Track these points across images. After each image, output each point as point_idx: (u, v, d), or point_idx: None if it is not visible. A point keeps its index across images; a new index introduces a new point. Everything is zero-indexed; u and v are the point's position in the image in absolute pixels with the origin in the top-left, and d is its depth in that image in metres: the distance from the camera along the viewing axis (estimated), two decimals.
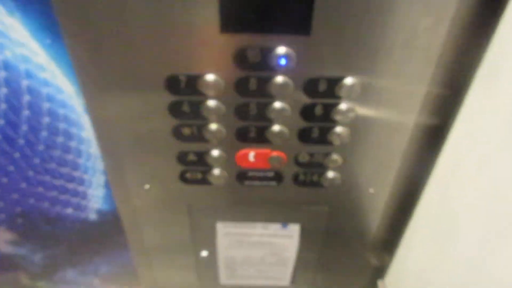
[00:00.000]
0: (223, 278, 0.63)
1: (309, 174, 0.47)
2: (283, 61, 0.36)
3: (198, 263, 0.60)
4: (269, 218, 0.54)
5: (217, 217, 0.54)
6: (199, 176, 0.47)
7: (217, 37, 0.35)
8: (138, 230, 0.55)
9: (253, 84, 0.38)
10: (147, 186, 0.49)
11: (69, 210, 0.64)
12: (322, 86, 0.39)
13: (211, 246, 0.58)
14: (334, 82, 0.38)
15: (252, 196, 0.50)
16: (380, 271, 0.61)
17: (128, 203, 0.51)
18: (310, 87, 0.39)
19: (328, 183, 0.47)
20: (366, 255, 0.58)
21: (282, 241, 0.57)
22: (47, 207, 0.61)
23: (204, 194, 0.50)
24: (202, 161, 0.45)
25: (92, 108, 0.41)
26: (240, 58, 0.37)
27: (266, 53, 0.36)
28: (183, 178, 0.48)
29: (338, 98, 0.40)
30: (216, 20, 0.34)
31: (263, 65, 0.37)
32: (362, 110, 0.41)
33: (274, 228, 0.55)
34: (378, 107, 0.40)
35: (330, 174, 0.47)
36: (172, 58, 0.37)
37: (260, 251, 0.59)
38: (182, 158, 0.45)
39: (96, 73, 0.38)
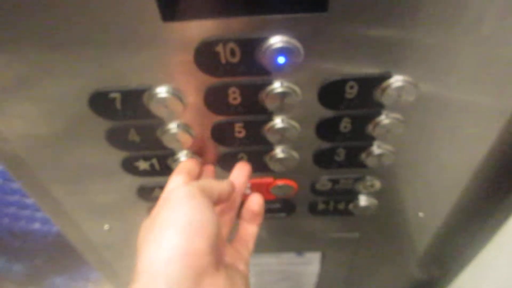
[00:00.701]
0: None
1: (332, 202, 0.33)
2: (281, 60, 0.21)
3: None
4: (280, 247, 0.40)
5: None
6: None
7: (160, 28, 0.20)
8: (108, 267, 0.42)
9: (235, 97, 0.23)
10: (106, 227, 0.35)
11: (36, 225, 0.59)
12: (351, 91, 0.23)
13: None
14: (372, 84, 0.23)
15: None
16: None
17: (87, 244, 0.38)
18: (331, 93, 0.23)
19: (360, 211, 0.33)
20: (407, 279, 0.45)
21: (299, 268, 0.44)
22: (7, 222, 0.57)
23: None
24: None
25: None
26: (208, 60, 0.21)
27: (252, 48, 0.20)
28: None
29: (377, 106, 0.24)
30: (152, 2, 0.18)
31: (248, 67, 0.21)
32: (414, 121, 0.25)
33: (288, 257, 0.42)
34: (440, 113, 0.25)
35: (363, 200, 0.32)
36: (97, 67, 0.22)
37: (272, 277, 0.46)
38: (144, 194, 0.31)
39: None
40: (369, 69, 0.22)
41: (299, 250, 0.41)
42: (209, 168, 0.28)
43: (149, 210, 0.33)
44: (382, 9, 0.19)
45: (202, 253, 0.19)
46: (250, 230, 0.27)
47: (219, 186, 0.23)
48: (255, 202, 0.27)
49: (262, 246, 0.40)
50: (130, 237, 0.36)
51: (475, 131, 0.26)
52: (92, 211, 0.33)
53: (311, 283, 0.47)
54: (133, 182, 0.30)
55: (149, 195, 0.31)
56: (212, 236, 0.20)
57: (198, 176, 0.27)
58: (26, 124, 0.25)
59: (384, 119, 0.25)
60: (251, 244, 0.27)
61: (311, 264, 0.43)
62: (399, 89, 0.22)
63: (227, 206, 0.27)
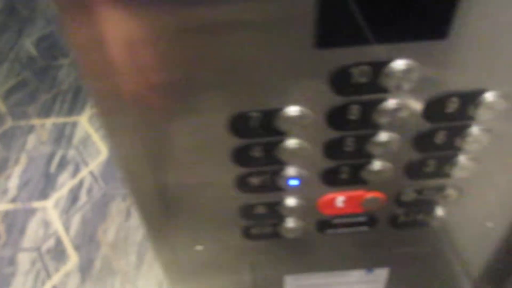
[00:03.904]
0: None
1: (412, 214, 0.36)
2: (400, 79, 0.25)
3: None
4: (351, 264, 0.43)
5: (286, 271, 0.43)
6: (268, 230, 0.36)
7: (310, 54, 0.24)
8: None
9: (354, 113, 0.27)
10: (199, 248, 0.37)
11: None
12: (452, 106, 0.27)
13: None
14: (470, 99, 0.27)
15: (332, 243, 0.39)
16: None
17: (174, 265, 0.40)
18: (435, 108, 0.27)
19: (436, 222, 0.36)
20: None
21: (364, 287, 0.46)
22: None
23: (271, 248, 0.39)
24: (273, 213, 0.34)
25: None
26: (341, 80, 0.25)
27: (379, 70, 0.25)
28: (247, 234, 0.36)
29: (470, 119, 0.28)
30: (309, 32, 0.23)
31: (373, 86, 0.25)
32: (497, 131, 0.29)
33: (357, 275, 0.44)
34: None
35: (440, 211, 0.35)
36: (240, 91, 0.26)
37: None
38: (247, 212, 0.34)
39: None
40: (469, 86, 0.26)
41: (368, 266, 0.43)
42: None
43: (245, 229, 0.36)
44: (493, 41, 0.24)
45: None
46: None
47: None
48: None
49: (331, 265, 0.43)
50: (220, 257, 0.39)
51: None
52: (191, 230, 0.36)
53: None
54: (239, 199, 0.33)
55: (251, 212, 0.34)
56: None
57: None
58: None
59: (475, 131, 0.29)
60: None
61: (377, 282, 0.45)
62: (492, 103, 0.27)
63: None
